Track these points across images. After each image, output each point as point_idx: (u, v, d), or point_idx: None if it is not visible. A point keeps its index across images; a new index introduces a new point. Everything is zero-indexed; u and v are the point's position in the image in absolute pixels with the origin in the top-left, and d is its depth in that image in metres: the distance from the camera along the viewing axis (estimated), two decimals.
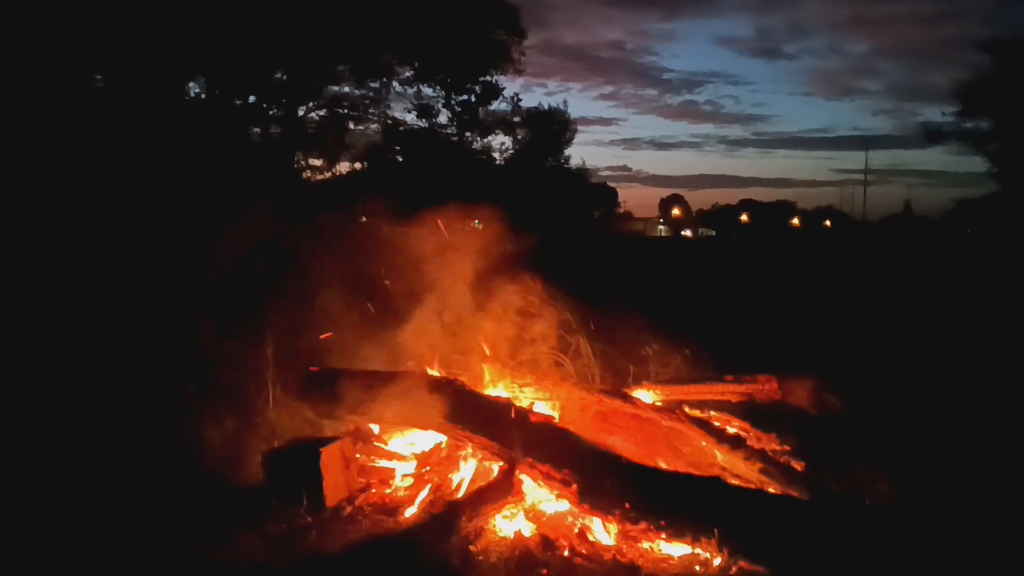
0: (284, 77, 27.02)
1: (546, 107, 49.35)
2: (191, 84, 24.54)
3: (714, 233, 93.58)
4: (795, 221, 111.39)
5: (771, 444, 6.14)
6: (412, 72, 30.17)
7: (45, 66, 17.98)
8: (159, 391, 7.49)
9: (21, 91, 17.27)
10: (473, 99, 31.70)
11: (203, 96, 24.84)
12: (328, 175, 30.91)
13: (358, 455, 6.03)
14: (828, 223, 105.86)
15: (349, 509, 5.45)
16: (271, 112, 27.89)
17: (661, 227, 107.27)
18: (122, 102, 20.55)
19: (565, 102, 51.24)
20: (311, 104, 28.96)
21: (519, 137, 48.77)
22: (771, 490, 5.17)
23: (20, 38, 17.12)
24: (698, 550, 4.46)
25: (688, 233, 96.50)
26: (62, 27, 17.87)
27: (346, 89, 29.79)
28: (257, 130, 27.62)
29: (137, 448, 6.38)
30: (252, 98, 26.83)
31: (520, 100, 34.46)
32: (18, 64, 17.13)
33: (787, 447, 6.13)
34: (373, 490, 5.71)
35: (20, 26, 17.12)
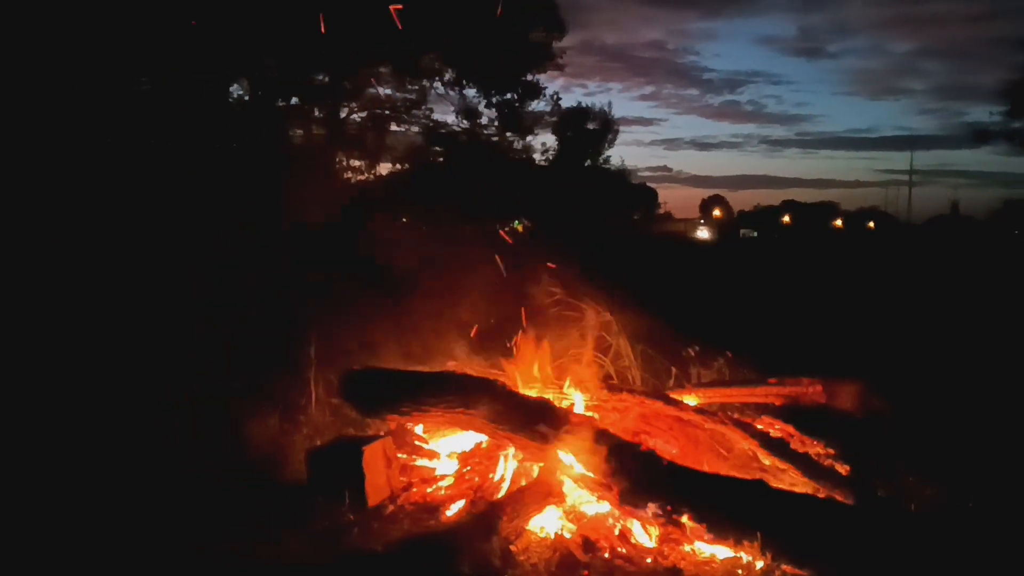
0: (326, 79, 27.24)
1: (587, 107, 49.29)
2: (234, 86, 24.84)
3: (755, 234, 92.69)
4: (838, 222, 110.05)
5: (815, 448, 6.07)
6: (453, 73, 30.22)
7: (91, 68, 18.31)
8: (206, 390, 7.60)
9: (68, 92, 17.60)
10: (514, 98, 31.60)
11: (246, 98, 25.13)
12: (369, 176, 31.14)
13: (400, 454, 6.06)
14: (872, 224, 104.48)
15: (391, 508, 5.49)
16: (313, 113, 28.13)
17: (702, 228, 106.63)
18: (166, 104, 20.86)
19: (610, 104, 51.08)
20: (353, 105, 29.17)
21: (560, 137, 48.82)
22: (816, 494, 5.12)
23: (67, 40, 17.45)
24: (741, 553, 4.42)
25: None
26: (108, 29, 18.18)
27: (387, 91, 29.96)
28: (300, 132, 27.89)
29: (185, 445, 6.49)
30: (294, 99, 27.11)
31: (560, 100, 34.22)
32: (65, 66, 17.47)
33: (832, 451, 6.06)
34: (414, 489, 5.75)
35: (66, 28, 17.45)
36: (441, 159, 32.53)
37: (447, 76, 30.30)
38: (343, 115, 28.98)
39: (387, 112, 30.43)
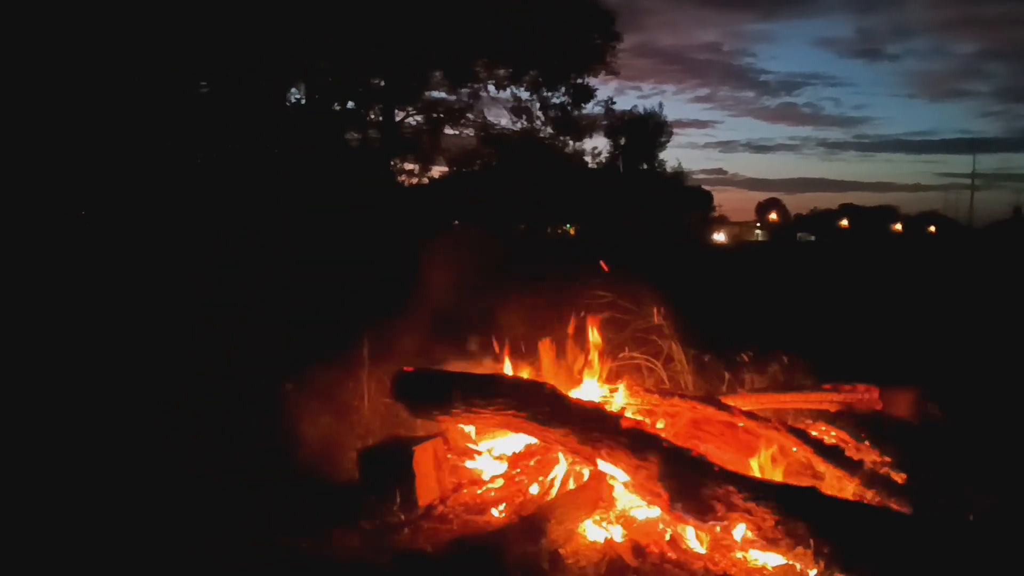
0: (382, 83, 27.53)
1: (641, 110, 49.23)
2: (292, 90, 25.23)
3: (812, 238, 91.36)
4: (897, 226, 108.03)
5: (871, 455, 5.97)
6: (507, 76, 30.33)
7: (156, 74, 18.75)
8: (261, 388, 7.73)
9: (138, 100, 18.06)
10: (567, 101, 31.62)
11: (303, 102, 25.50)
12: (423, 179, 31.41)
13: (450, 455, 6.09)
14: (932, 229, 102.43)
15: (440, 508, 5.51)
16: (368, 117, 28.45)
17: (758, 231, 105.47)
18: (227, 108, 21.26)
19: (661, 105, 50.94)
20: (408, 109, 29.45)
21: (613, 141, 48.75)
22: (871, 502, 5.03)
23: (134, 49, 17.90)
24: (793, 561, 4.36)
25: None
26: (171, 36, 18.61)
27: (442, 94, 30.18)
28: (356, 135, 28.23)
29: (239, 443, 6.61)
30: (351, 103, 27.44)
31: (614, 103, 34.22)
32: (133, 74, 17.92)
33: (888, 459, 5.95)
34: (464, 490, 5.76)
35: (133, 38, 17.90)
36: (494, 162, 32.70)
37: (501, 78, 30.46)
38: (398, 118, 29.28)
39: (441, 115, 30.69)
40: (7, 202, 17.16)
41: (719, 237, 66.46)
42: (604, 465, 5.10)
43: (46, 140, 17.50)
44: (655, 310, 7.86)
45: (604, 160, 46.30)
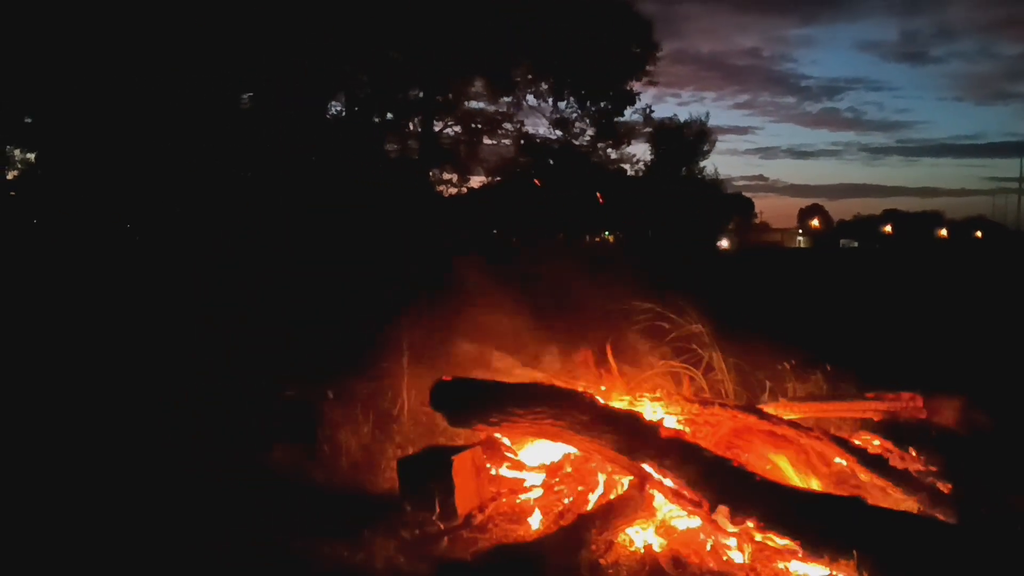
0: (420, 93, 27.70)
1: (681, 118, 49.05)
2: (332, 102, 25.49)
3: (855, 244, 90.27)
4: (943, 232, 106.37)
5: (915, 464, 5.87)
6: (547, 86, 30.39)
7: (200, 86, 19.06)
8: (302, 397, 7.82)
9: (183, 112, 18.38)
10: (607, 109, 31.55)
11: (343, 113, 25.75)
12: (462, 189, 31.52)
13: (489, 464, 6.10)
14: (979, 234, 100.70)
15: (480, 517, 5.52)
16: (407, 128, 28.64)
17: (800, 238, 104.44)
18: (269, 119, 21.54)
19: (708, 114, 50.83)
20: (447, 119, 29.59)
21: (654, 148, 48.59)
22: (915, 512, 4.95)
23: (178, 62, 18.22)
24: (836, 572, 4.30)
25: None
26: (216, 49, 18.91)
27: (481, 105, 30.30)
28: (395, 146, 28.43)
29: (281, 450, 6.69)
30: (389, 115, 27.64)
31: (652, 111, 34.08)
32: (179, 87, 18.24)
33: (933, 468, 5.85)
34: (503, 499, 5.77)
35: (177, 52, 18.23)
36: (532, 171, 32.73)
37: (541, 87, 30.52)
38: (436, 129, 29.43)
39: (480, 125, 30.80)
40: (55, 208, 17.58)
41: (723, 243, 63.37)
42: (644, 474, 5.08)
43: (87, 146, 17.91)
44: (695, 318, 7.81)
45: (643, 168, 46.13)
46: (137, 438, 7.01)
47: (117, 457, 6.57)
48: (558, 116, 31.68)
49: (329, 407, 7.40)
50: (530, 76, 29.78)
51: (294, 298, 11.38)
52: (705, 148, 53.17)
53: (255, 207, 18.64)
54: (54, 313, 11.41)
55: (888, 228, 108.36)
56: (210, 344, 9.43)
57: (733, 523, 4.50)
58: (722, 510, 4.52)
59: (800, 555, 4.39)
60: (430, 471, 5.70)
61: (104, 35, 17.60)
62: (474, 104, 30.16)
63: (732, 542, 4.78)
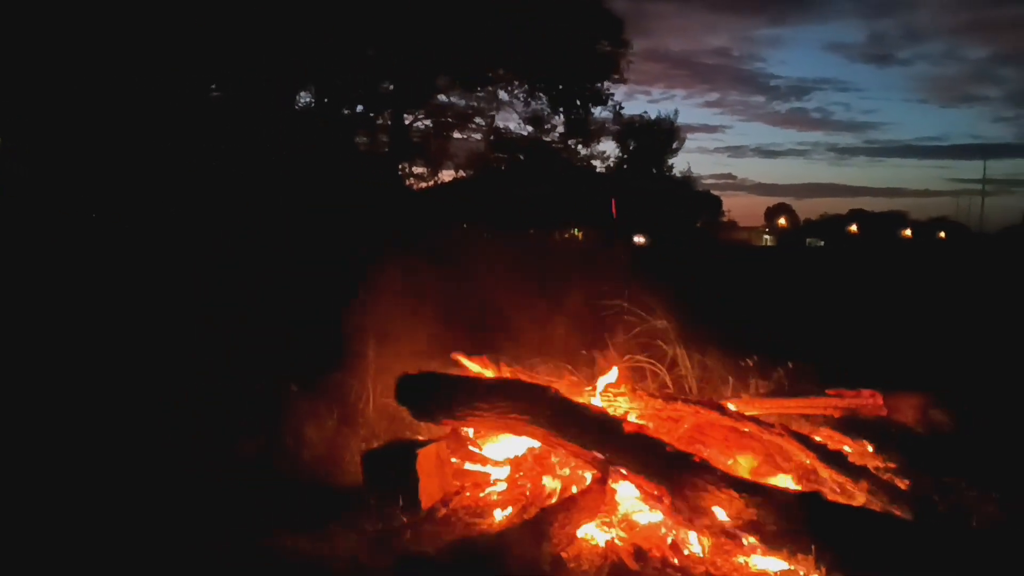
0: (391, 87, 27.59)
1: (651, 115, 49.30)
2: (302, 93, 25.31)
3: (821, 243, 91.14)
4: (907, 232, 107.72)
5: (874, 461, 5.96)
6: (517, 82, 30.36)
7: (166, 76, 18.84)
8: (266, 390, 7.76)
9: (146, 100, 18.15)
10: (578, 105, 31.57)
11: (312, 104, 25.58)
12: (432, 183, 31.45)
13: (453, 458, 6.10)
14: (942, 234, 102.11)
15: (443, 511, 5.52)
16: (378, 121, 28.52)
17: (767, 237, 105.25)
18: (237, 111, 21.35)
19: (676, 112, 51.03)
20: (417, 113, 29.50)
21: (623, 146, 48.75)
22: (874, 508, 5.02)
23: (146, 52, 17.99)
24: (795, 566, 4.36)
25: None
26: (182, 38, 18.70)
27: (451, 99, 30.23)
28: (364, 139, 28.30)
29: (243, 444, 6.64)
30: (360, 107, 27.51)
31: (622, 108, 34.09)
32: (141, 74, 18.01)
33: (891, 465, 5.94)
34: (467, 493, 5.77)
35: (146, 41, 18.00)
36: (503, 166, 32.73)
37: (512, 83, 30.50)
38: (407, 122, 29.34)
39: (451, 120, 30.74)
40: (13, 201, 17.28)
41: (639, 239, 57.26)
42: (607, 469, 5.11)
43: (53, 141, 17.62)
44: (661, 315, 7.86)
45: (612, 164, 46.29)
46: (98, 429, 6.93)
47: (77, 450, 6.49)
48: (529, 112, 31.69)
49: (294, 400, 7.37)
50: (501, 71, 29.74)
51: (255, 290, 11.28)
52: (674, 146, 53.55)
53: (218, 198, 18.46)
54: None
55: (854, 228, 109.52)
56: (172, 337, 9.35)
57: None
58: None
59: (760, 549, 4.45)
60: (394, 465, 5.69)
61: (64, 18, 17.30)
62: (444, 98, 30.09)
63: (693, 536, 4.83)
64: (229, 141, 20.41)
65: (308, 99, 25.75)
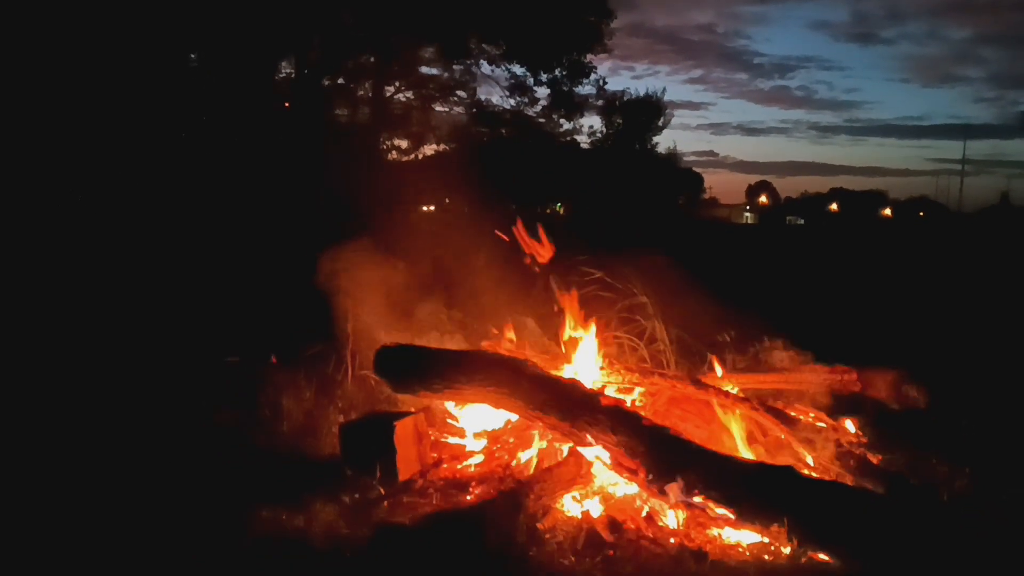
0: (372, 58, 27.34)
1: (634, 91, 49.19)
2: (281, 64, 25.04)
3: (801, 222, 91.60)
4: (887, 211, 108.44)
5: (847, 436, 6.03)
6: (500, 53, 30.13)
7: (143, 46, 18.57)
8: (244, 361, 7.75)
9: (119, 72, 17.87)
10: (561, 77, 31.37)
11: (292, 76, 25.32)
12: (414, 156, 31.27)
13: (431, 431, 6.13)
14: (922, 214, 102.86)
15: (420, 483, 5.56)
16: (358, 93, 28.28)
17: (747, 214, 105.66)
18: (215, 81, 21.11)
19: (664, 90, 50.81)
20: (398, 85, 29.27)
21: (607, 121, 48.65)
22: (846, 482, 5.08)
23: (113, 19, 17.69)
24: (767, 538, 4.42)
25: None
26: (159, 7, 18.42)
27: (433, 70, 29.99)
28: (344, 112, 28.06)
29: (222, 416, 6.63)
30: (340, 79, 27.26)
31: (606, 83, 33.89)
32: (115, 44, 17.72)
33: (864, 439, 6.01)
34: (444, 465, 5.82)
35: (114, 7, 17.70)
36: (485, 139, 32.55)
37: (494, 54, 30.27)
38: (388, 94, 29.11)
39: (433, 91, 30.51)
40: None
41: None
42: (583, 442, 5.14)
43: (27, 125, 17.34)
44: (639, 289, 7.86)
45: (597, 140, 46.18)
46: (75, 403, 6.90)
47: (56, 424, 6.47)
48: (511, 83, 31.47)
49: (272, 372, 7.36)
50: (483, 44, 29.53)
51: (238, 262, 11.23)
52: (660, 123, 53.46)
53: (196, 170, 18.28)
54: None
55: (834, 206, 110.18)
56: (149, 310, 9.30)
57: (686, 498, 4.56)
58: (674, 486, 4.58)
59: (733, 521, 4.50)
60: (372, 437, 5.72)
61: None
62: (427, 70, 29.85)
63: (667, 508, 4.88)
64: (207, 112, 20.20)
65: (289, 71, 25.49)
